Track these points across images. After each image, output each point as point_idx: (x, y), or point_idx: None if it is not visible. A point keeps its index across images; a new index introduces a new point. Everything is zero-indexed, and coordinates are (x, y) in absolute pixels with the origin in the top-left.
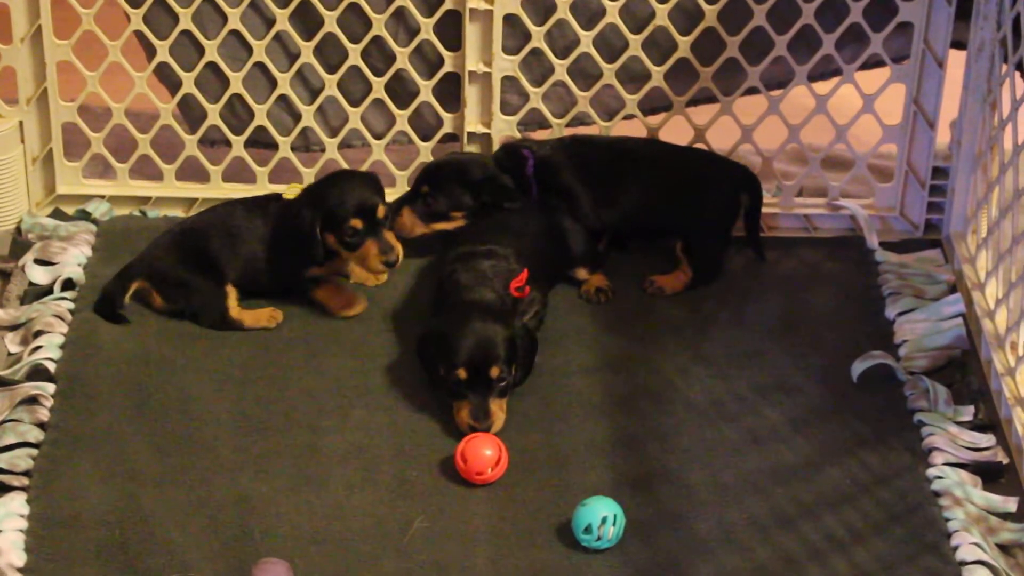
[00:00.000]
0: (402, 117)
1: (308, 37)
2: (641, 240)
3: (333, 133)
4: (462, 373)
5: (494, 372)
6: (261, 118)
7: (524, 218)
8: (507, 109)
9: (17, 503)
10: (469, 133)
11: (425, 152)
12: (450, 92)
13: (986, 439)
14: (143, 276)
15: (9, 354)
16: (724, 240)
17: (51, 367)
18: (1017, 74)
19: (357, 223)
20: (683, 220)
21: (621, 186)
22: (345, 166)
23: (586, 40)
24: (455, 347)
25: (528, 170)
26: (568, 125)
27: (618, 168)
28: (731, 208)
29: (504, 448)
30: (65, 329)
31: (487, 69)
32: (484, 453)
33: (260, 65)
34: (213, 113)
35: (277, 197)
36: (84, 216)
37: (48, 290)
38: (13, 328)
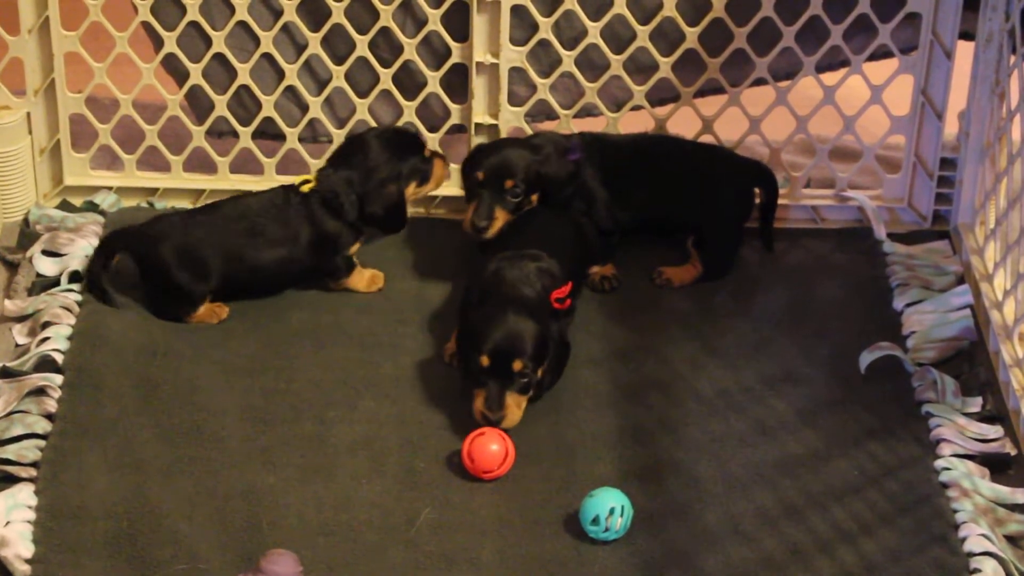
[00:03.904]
0: (410, 108)
1: (316, 28)
2: (653, 235)
3: (341, 124)
4: (485, 360)
5: (517, 365)
6: (269, 109)
7: (558, 225)
8: (514, 100)
9: (25, 494)
10: (476, 124)
11: (433, 143)
12: (458, 83)
13: (994, 430)
14: (127, 250)
15: (16, 345)
16: (736, 236)
17: (59, 358)
18: None
19: (426, 151)
20: (696, 216)
21: (636, 184)
22: None
23: (593, 31)
24: (484, 334)
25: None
26: (576, 116)
27: (633, 167)
28: (745, 204)
29: (511, 443)
30: (73, 320)
31: (495, 60)
32: (491, 449)
33: (268, 56)
34: (221, 104)
35: (289, 190)
36: (92, 207)
37: (55, 281)
38: (21, 319)
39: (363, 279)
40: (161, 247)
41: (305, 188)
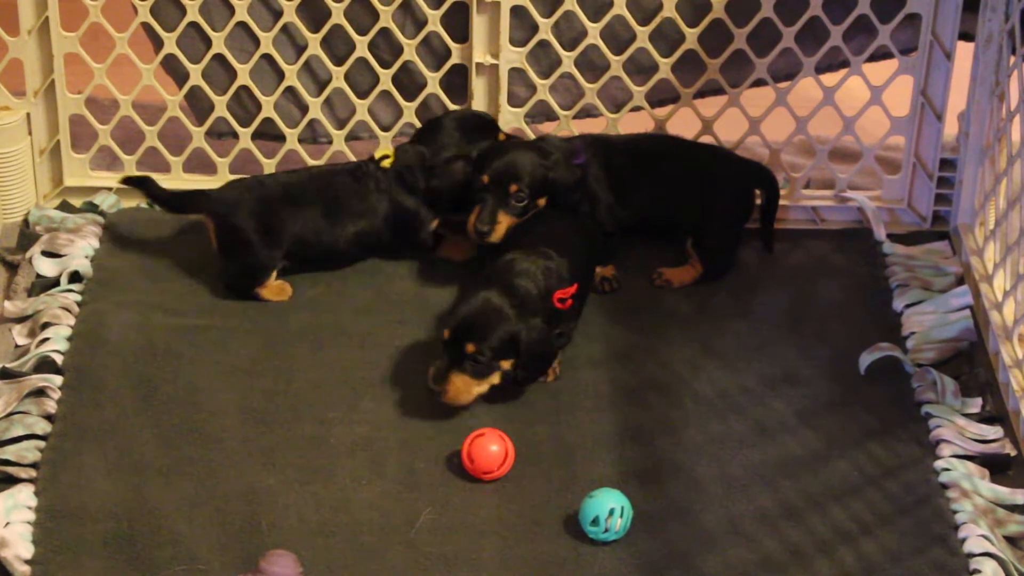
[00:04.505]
0: (409, 109)
1: (315, 29)
2: (653, 236)
3: (340, 125)
4: (445, 333)
5: (469, 348)
6: (268, 110)
7: (567, 227)
8: (514, 101)
9: (24, 495)
10: None
11: None
12: (457, 84)
13: (994, 431)
14: (208, 212)
15: (16, 346)
16: (736, 237)
17: (58, 359)
18: None
19: (500, 135)
20: (696, 217)
21: (637, 185)
22: (352, 158)
23: (593, 32)
24: (453, 309)
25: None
26: (575, 117)
27: (635, 168)
28: (745, 205)
29: (510, 444)
30: (72, 321)
31: (494, 61)
32: (490, 450)
33: (267, 57)
34: (220, 105)
35: (370, 162)
36: (91, 208)
37: (55, 282)
38: (20, 320)
39: (458, 248)
40: (240, 211)
41: (385, 164)
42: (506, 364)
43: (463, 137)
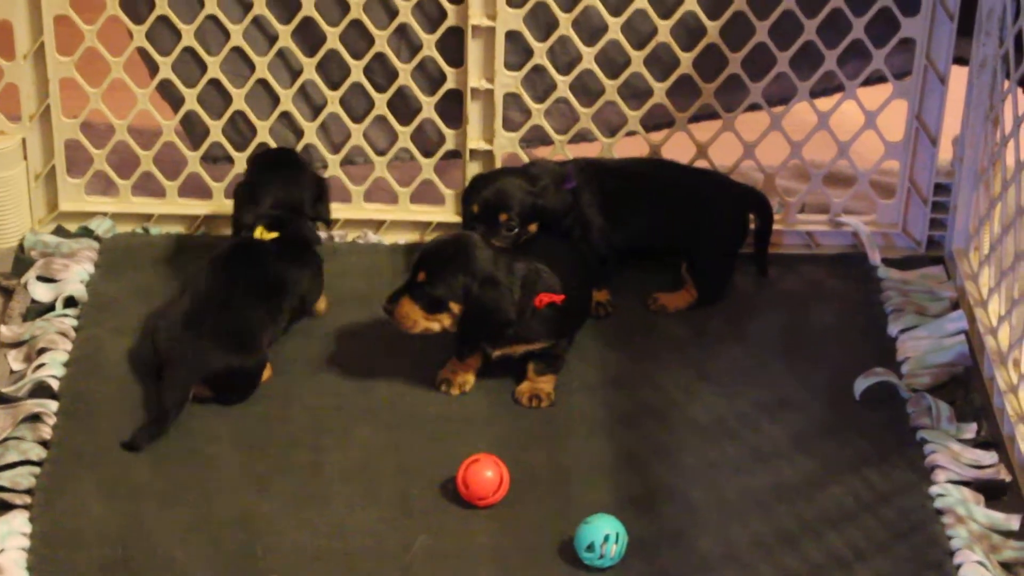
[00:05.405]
0: (404, 134)
1: (311, 53)
2: (647, 260)
3: (335, 149)
4: (413, 269)
5: (420, 275)
6: (264, 134)
7: (559, 252)
8: (509, 125)
9: (19, 521)
10: (471, 151)
11: (428, 168)
12: (452, 108)
13: (989, 456)
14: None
15: (12, 372)
16: (731, 262)
17: (54, 384)
18: (1019, 90)
19: None
20: (690, 241)
21: (631, 210)
22: (348, 183)
23: (588, 56)
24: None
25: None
26: (570, 141)
27: (629, 192)
28: (739, 230)
29: (505, 469)
30: (69, 346)
31: (489, 86)
32: (485, 476)
33: (262, 81)
34: (216, 130)
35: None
36: (86, 233)
37: (50, 307)
38: (16, 345)
39: None
40: None
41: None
42: (455, 307)
43: (272, 177)
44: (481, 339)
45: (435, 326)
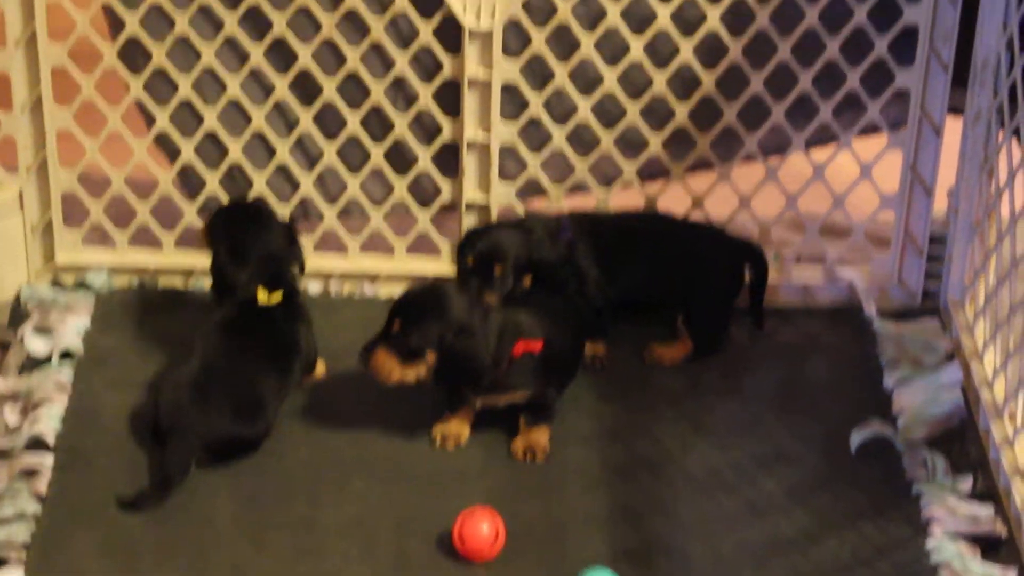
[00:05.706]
0: (400, 185)
1: (307, 104)
2: (643, 312)
3: (332, 201)
4: (388, 319)
5: (395, 325)
6: (260, 186)
7: (555, 304)
8: (505, 176)
9: None
10: (467, 204)
11: (424, 220)
12: (449, 159)
13: (985, 509)
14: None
15: (7, 425)
16: (726, 314)
17: (50, 438)
18: (1014, 141)
19: None
20: (686, 293)
21: (625, 263)
22: (343, 235)
23: (584, 107)
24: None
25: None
26: (566, 192)
27: (623, 246)
28: (734, 282)
29: (501, 523)
30: (65, 400)
31: (485, 139)
32: (481, 531)
33: (259, 133)
34: (212, 181)
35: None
36: (83, 285)
37: (46, 360)
38: (12, 398)
39: None
40: None
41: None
42: (431, 356)
43: (250, 232)
44: (458, 385)
45: (411, 375)
